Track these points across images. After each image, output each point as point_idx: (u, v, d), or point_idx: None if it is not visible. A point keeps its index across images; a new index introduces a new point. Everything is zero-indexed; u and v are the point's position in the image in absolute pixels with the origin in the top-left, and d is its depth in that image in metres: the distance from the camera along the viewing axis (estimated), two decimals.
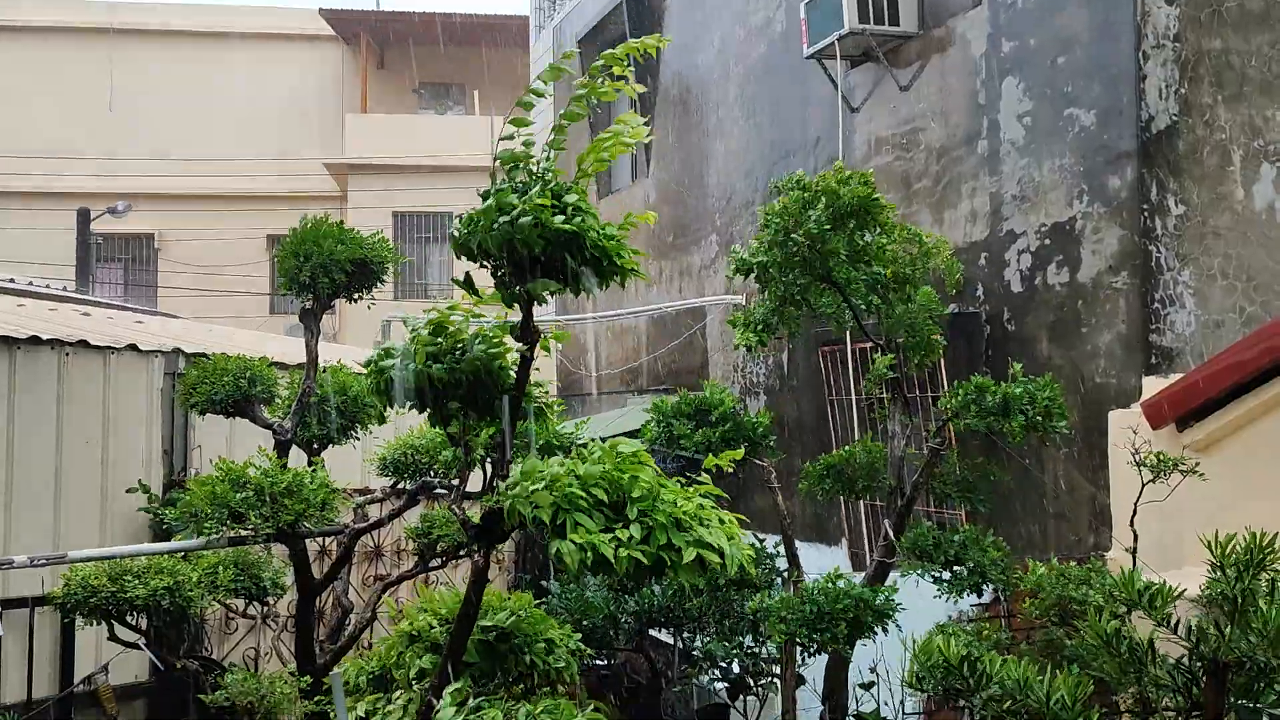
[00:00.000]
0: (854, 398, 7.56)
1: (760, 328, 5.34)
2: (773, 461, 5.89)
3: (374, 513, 5.98)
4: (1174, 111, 5.60)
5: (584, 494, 2.90)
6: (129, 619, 5.19)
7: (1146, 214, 5.61)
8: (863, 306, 5.15)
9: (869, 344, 5.52)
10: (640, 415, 6.27)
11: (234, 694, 4.81)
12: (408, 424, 6.26)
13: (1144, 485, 4.29)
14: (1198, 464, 4.27)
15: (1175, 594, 2.90)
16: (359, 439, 6.42)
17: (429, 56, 22.71)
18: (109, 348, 7.48)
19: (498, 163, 3.26)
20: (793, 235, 4.92)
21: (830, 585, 4.67)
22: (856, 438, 7.28)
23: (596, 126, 3.03)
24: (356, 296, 5.92)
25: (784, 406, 8.71)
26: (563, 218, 3.09)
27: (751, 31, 9.40)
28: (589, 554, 2.79)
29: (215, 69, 22.63)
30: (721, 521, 2.94)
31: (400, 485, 5.98)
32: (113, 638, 5.26)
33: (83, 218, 18.24)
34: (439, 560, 6.33)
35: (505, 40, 22.04)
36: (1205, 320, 5.47)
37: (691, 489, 3.04)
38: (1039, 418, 4.71)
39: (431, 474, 5.78)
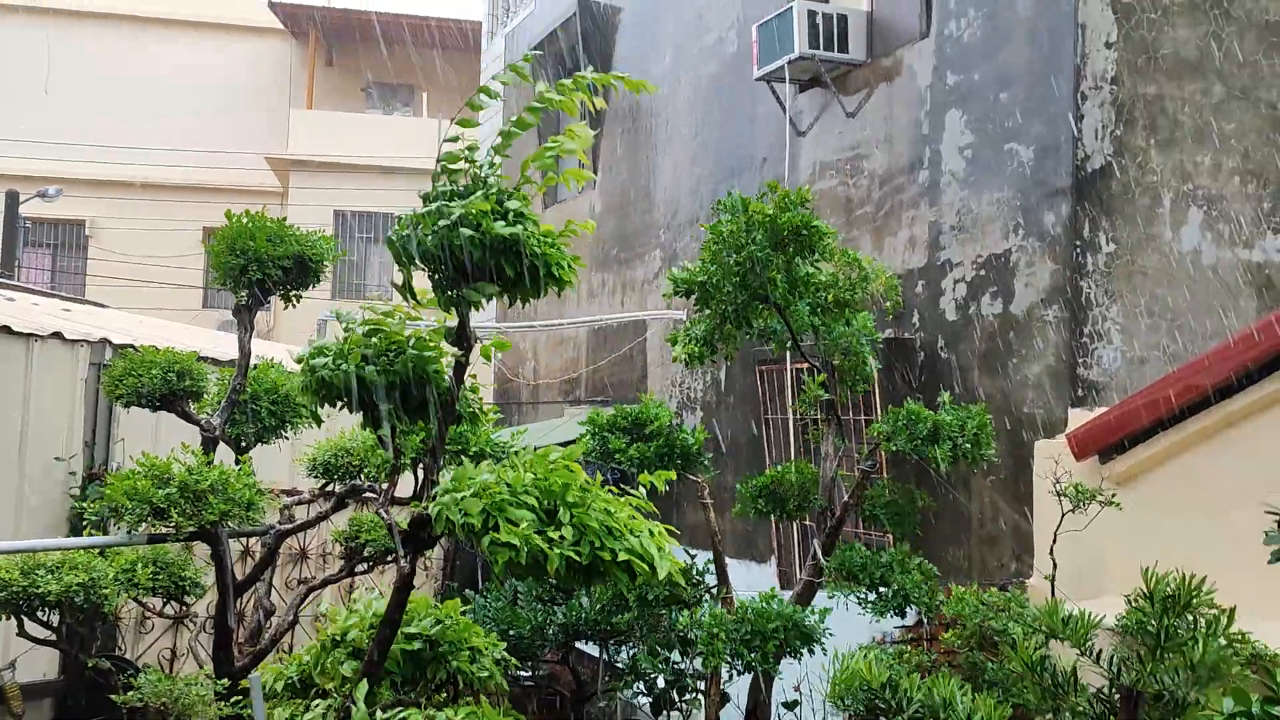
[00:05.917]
0: (789, 417, 7.63)
1: (700, 344, 5.37)
2: (707, 478, 5.91)
3: (301, 514, 5.88)
4: (1109, 152, 5.76)
5: (514, 501, 2.88)
6: (40, 614, 5.04)
7: (1079, 250, 5.75)
8: (804, 327, 5.20)
9: (806, 365, 5.58)
10: (576, 427, 6.25)
11: (147, 695, 4.69)
12: (339, 425, 6.18)
13: (1064, 515, 4.39)
14: (1115, 495, 4.38)
15: (1095, 623, 2.98)
16: (288, 438, 6.31)
17: (379, 56, 22.48)
18: (32, 335, 7.27)
19: (439, 165, 3.23)
20: (732, 257, 4.96)
21: (764, 605, 4.69)
22: (790, 457, 7.35)
23: (544, 136, 3.03)
24: (294, 295, 5.83)
25: (720, 423, 8.76)
26: (503, 223, 3.08)
27: (703, 49, 9.47)
28: (523, 551, 2.77)
29: (157, 56, 22.17)
30: (652, 534, 2.94)
31: (329, 487, 5.89)
32: (22, 633, 5.10)
33: (11, 200, 17.69)
34: (365, 565, 6.25)
35: (457, 44, 21.91)
36: (1131, 356, 5.62)
37: (623, 499, 3.04)
38: (967, 445, 4.80)
39: (362, 477, 5.71)
